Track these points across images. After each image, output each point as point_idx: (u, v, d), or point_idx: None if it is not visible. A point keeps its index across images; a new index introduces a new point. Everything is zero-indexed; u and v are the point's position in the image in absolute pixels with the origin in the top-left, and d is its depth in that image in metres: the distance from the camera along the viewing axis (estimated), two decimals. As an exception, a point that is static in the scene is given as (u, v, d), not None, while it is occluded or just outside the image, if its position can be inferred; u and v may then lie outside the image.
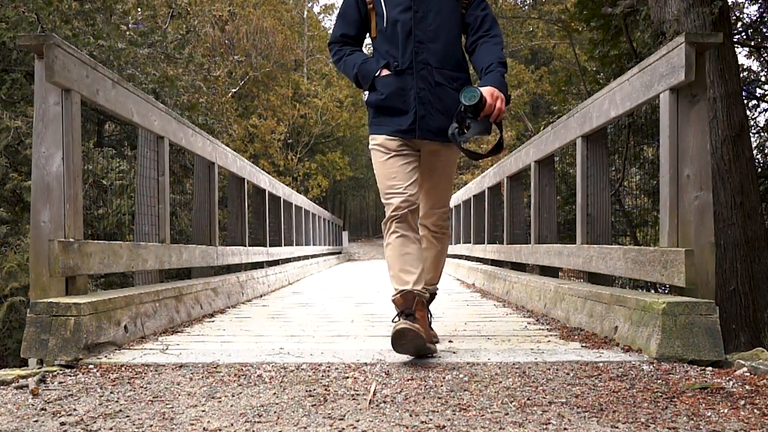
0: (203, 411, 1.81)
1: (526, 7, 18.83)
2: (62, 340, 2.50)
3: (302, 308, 4.77)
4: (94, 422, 1.70)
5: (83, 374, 2.31)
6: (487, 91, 2.44)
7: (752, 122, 9.56)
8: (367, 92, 2.71)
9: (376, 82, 2.64)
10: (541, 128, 6.77)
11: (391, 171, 2.63)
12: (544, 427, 1.63)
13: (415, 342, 2.38)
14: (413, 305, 2.50)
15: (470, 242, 8.89)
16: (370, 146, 2.74)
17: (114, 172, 7.39)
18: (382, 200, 2.66)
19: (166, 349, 2.81)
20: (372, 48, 2.79)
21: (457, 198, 10.38)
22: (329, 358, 2.57)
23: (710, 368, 2.36)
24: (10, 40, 7.16)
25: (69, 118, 2.89)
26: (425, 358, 2.52)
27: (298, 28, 26.89)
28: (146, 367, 2.41)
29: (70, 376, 2.29)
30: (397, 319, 2.49)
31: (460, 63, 2.70)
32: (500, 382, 2.14)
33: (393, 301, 2.58)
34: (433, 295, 2.96)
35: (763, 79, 9.98)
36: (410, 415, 1.74)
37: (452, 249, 10.46)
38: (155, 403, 1.90)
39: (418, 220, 2.75)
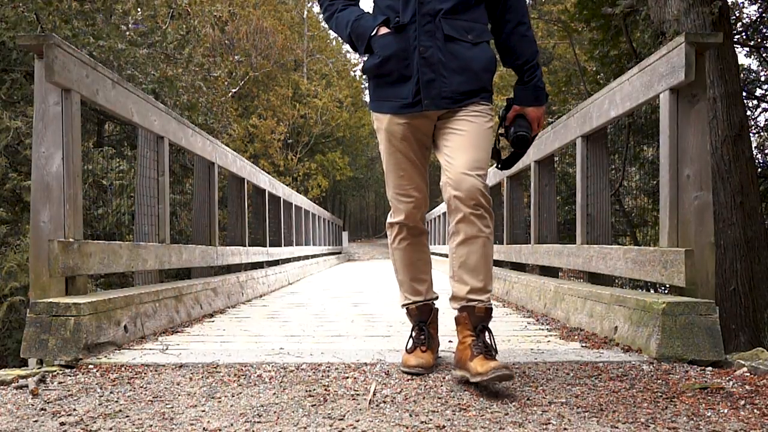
0: (203, 411, 1.80)
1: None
2: (62, 340, 2.50)
3: (302, 308, 4.77)
4: (94, 422, 1.70)
5: (83, 374, 2.31)
6: (531, 116, 2.22)
7: (752, 122, 9.56)
8: (365, 57, 2.25)
9: (373, 43, 2.16)
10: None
11: (399, 167, 2.27)
12: (544, 427, 1.63)
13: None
14: (429, 317, 2.38)
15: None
16: (374, 125, 2.33)
17: (114, 172, 7.39)
18: (388, 195, 2.36)
19: (166, 349, 2.81)
20: (372, 4, 2.33)
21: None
22: (329, 358, 2.57)
23: (710, 368, 2.36)
24: (9, 40, 7.15)
25: (69, 118, 2.89)
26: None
27: (298, 28, 26.89)
28: (146, 367, 2.41)
29: (70, 376, 2.29)
30: (412, 333, 2.37)
31: (476, 9, 2.19)
32: (500, 381, 2.14)
33: (407, 311, 2.42)
34: (489, 311, 2.13)
35: (763, 79, 9.98)
36: (410, 415, 1.74)
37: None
38: (155, 403, 1.90)
39: (425, 212, 2.38)
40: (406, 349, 2.34)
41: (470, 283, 2.10)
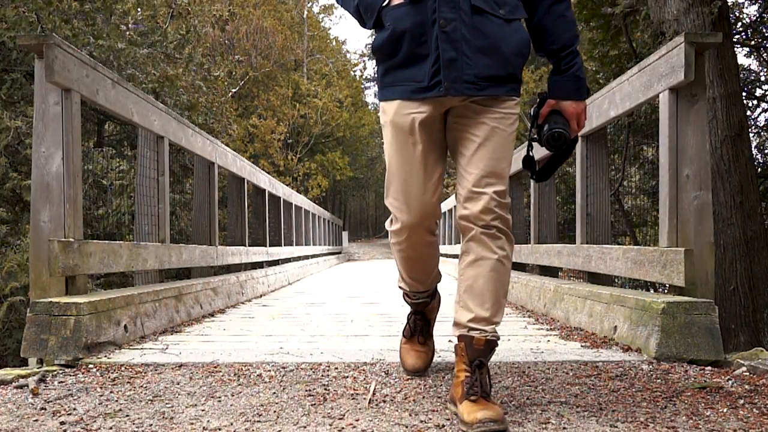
0: (203, 410, 1.81)
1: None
2: (62, 339, 2.50)
3: (302, 308, 4.77)
4: (94, 421, 1.70)
5: (83, 374, 2.31)
6: (570, 111, 1.81)
7: (752, 122, 9.56)
8: (374, 34, 1.92)
9: (383, 15, 1.83)
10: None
11: (404, 167, 1.88)
12: (544, 426, 1.64)
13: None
14: (427, 306, 2.25)
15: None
16: (380, 119, 1.97)
17: (114, 172, 7.40)
18: (387, 201, 1.96)
19: (166, 348, 2.81)
20: None
21: (456, 198, 10.31)
22: (329, 357, 2.57)
23: (709, 368, 2.36)
24: (10, 40, 7.16)
25: (69, 118, 2.89)
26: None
27: (298, 28, 26.89)
28: (146, 367, 2.41)
29: (70, 375, 2.29)
30: (409, 318, 2.27)
31: None
32: (500, 381, 2.14)
33: (406, 294, 2.24)
34: (490, 343, 1.81)
35: (762, 79, 9.98)
36: (410, 415, 1.75)
37: (451, 249, 10.45)
38: (155, 402, 1.90)
39: (436, 221, 2.00)
40: (404, 335, 2.27)
41: (474, 311, 1.80)
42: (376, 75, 1.99)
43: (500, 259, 1.80)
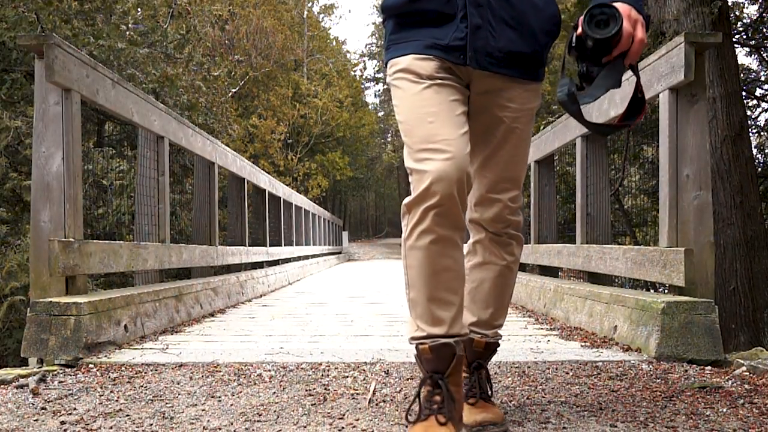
0: (203, 410, 1.81)
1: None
2: (62, 339, 2.51)
3: (303, 308, 4.78)
4: (94, 421, 1.70)
5: (83, 374, 2.31)
6: (622, 8, 1.40)
7: (752, 122, 9.56)
8: None
9: None
10: (541, 128, 6.78)
11: (426, 110, 1.52)
12: (543, 426, 1.64)
13: None
14: (449, 366, 1.49)
15: (470, 242, 8.87)
16: (388, 79, 1.66)
17: (114, 172, 7.40)
18: (407, 161, 1.53)
19: (166, 348, 2.81)
20: None
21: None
22: (329, 357, 2.57)
23: (709, 367, 2.36)
24: (10, 40, 7.16)
25: (69, 118, 2.89)
26: None
27: (298, 28, 26.89)
28: (146, 367, 2.41)
29: (70, 375, 2.29)
30: (421, 390, 1.50)
31: None
32: (500, 381, 2.15)
33: (417, 351, 1.54)
34: (490, 346, 1.74)
35: (763, 79, 9.98)
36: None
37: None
38: (155, 402, 1.90)
39: (467, 192, 1.53)
40: (408, 419, 1.49)
41: (476, 314, 1.73)
42: (385, 34, 1.69)
43: (508, 265, 1.74)
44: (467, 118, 1.59)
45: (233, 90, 17.90)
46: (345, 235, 26.36)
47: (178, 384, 2.13)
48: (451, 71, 1.56)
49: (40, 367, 2.45)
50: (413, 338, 1.55)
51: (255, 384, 2.13)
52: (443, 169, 1.44)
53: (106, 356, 2.59)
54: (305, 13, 28.29)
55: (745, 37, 8.68)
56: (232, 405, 1.86)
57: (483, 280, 1.73)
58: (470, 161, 1.54)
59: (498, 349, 1.80)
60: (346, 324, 3.73)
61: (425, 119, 1.51)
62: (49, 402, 1.92)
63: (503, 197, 1.66)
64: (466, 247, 1.70)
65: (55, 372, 2.34)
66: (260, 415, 1.76)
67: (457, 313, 1.53)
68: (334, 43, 32.56)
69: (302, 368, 2.36)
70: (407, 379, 2.17)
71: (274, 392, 2.01)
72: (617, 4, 1.40)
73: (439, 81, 1.54)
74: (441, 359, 1.50)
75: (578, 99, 1.46)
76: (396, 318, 4.02)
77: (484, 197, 1.67)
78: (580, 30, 1.41)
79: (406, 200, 1.52)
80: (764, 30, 8.78)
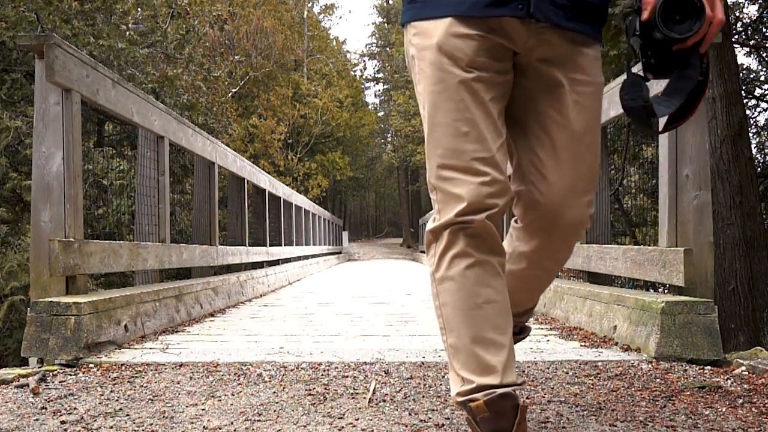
0: (203, 410, 1.81)
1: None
2: (62, 339, 2.51)
3: (303, 308, 4.78)
4: (95, 421, 1.71)
5: (83, 373, 2.31)
6: None
7: (752, 122, 9.57)
8: None
9: None
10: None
11: (459, 114, 1.24)
12: (543, 425, 1.64)
13: None
14: (514, 422, 1.19)
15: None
16: (411, 50, 1.32)
17: (114, 172, 7.40)
18: (431, 177, 1.29)
19: (167, 348, 2.81)
20: None
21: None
22: (329, 357, 2.58)
23: (709, 367, 2.36)
24: (10, 40, 7.16)
25: (69, 118, 2.89)
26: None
27: (298, 28, 26.87)
28: (146, 366, 2.41)
29: (71, 375, 2.29)
30: None
31: None
32: (499, 381, 2.15)
33: (468, 411, 1.23)
34: (523, 331, 1.64)
35: (762, 78, 9.98)
36: (409, 414, 1.75)
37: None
38: (155, 401, 1.90)
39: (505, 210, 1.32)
40: None
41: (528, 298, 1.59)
42: None
43: (553, 275, 1.55)
44: (504, 106, 1.30)
45: (233, 90, 17.91)
46: (345, 235, 26.37)
47: (179, 384, 2.13)
48: (496, 50, 1.25)
49: (41, 367, 2.45)
50: (460, 394, 1.24)
51: (255, 383, 2.13)
52: (478, 194, 1.20)
53: (106, 356, 2.59)
54: (305, 13, 28.28)
55: (744, 37, 8.68)
56: (232, 404, 1.86)
57: (528, 278, 1.50)
58: (538, 150, 1.33)
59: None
60: (347, 324, 3.74)
61: (458, 127, 1.23)
62: (49, 402, 1.92)
63: (585, 199, 1.41)
64: (510, 230, 1.48)
65: (56, 372, 2.34)
66: (260, 414, 1.76)
67: (509, 358, 1.24)
68: (334, 43, 32.55)
69: (302, 368, 2.37)
70: (407, 379, 2.17)
71: (275, 392, 2.01)
72: None
73: (480, 73, 1.24)
74: (502, 415, 1.18)
75: (655, 110, 1.21)
76: (401, 317, 4.02)
77: (564, 200, 1.39)
78: (646, 15, 1.19)
79: (430, 225, 1.28)
80: (764, 30, 8.79)
